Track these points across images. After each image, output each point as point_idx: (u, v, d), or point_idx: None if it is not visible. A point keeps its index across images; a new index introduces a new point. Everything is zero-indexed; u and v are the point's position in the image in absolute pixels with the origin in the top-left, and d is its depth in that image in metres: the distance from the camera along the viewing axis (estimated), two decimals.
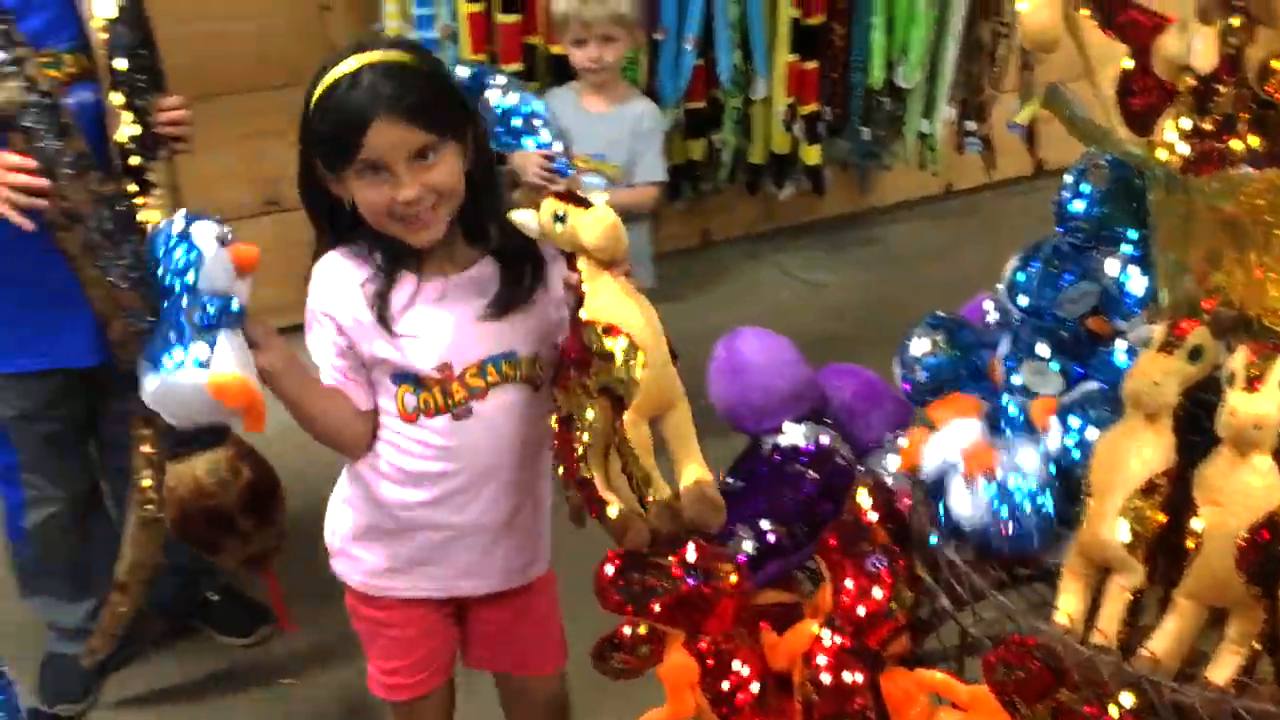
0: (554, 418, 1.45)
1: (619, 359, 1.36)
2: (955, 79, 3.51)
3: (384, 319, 1.48)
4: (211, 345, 1.32)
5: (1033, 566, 1.47)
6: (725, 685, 1.31)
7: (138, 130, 1.90)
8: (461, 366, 1.51)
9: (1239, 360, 1.26)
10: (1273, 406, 1.22)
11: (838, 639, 1.30)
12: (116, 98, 1.90)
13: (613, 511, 1.35)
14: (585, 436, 1.38)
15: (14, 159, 1.79)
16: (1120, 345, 1.49)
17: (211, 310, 1.33)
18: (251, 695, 2.34)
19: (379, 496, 1.58)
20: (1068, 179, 1.57)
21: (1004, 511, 1.41)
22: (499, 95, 2.56)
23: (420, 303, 1.50)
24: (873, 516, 1.43)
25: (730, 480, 1.69)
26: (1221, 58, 1.33)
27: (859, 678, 1.28)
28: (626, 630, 1.36)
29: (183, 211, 1.39)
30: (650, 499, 1.35)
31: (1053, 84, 1.51)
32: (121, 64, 1.89)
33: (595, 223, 1.38)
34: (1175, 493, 1.31)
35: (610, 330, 1.37)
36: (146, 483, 1.95)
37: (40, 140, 1.79)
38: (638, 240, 2.70)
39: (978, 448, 1.46)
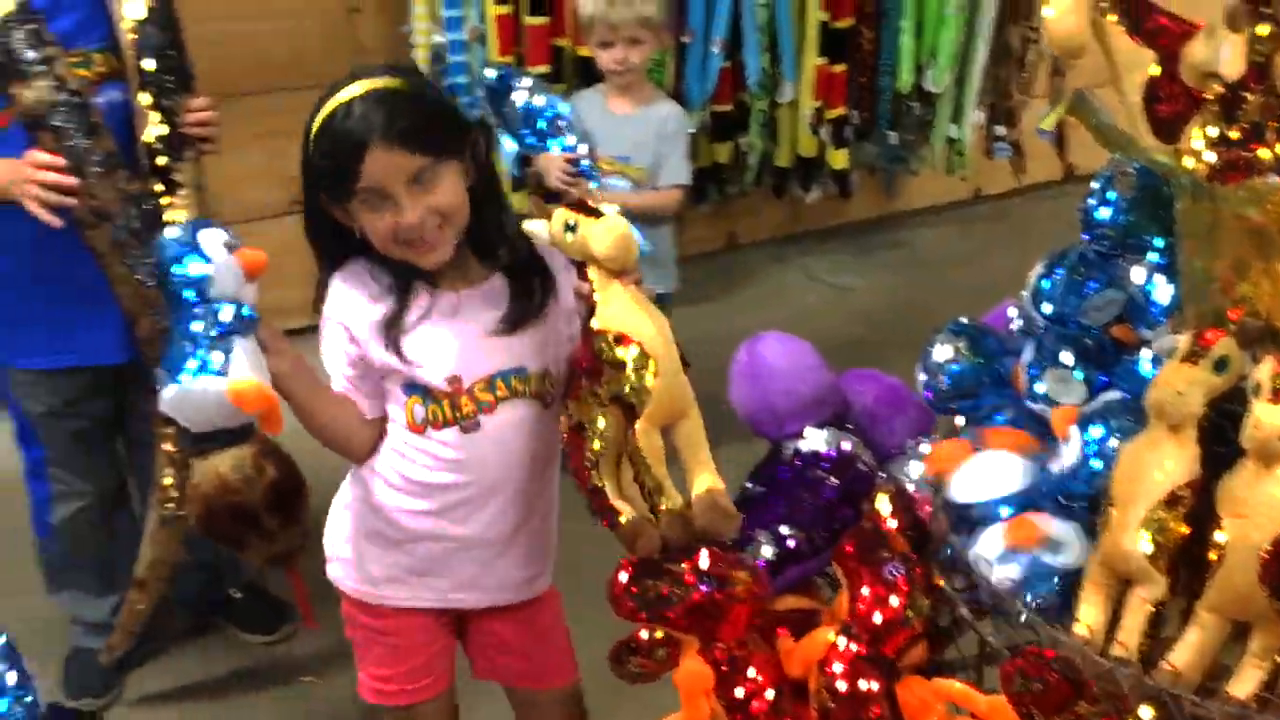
0: (566, 426, 1.46)
1: (630, 368, 1.36)
2: (984, 84, 3.50)
3: (395, 339, 1.49)
4: (227, 352, 1.34)
5: None
6: (740, 692, 1.31)
7: (165, 130, 1.92)
8: (471, 380, 1.51)
9: (1265, 371, 1.24)
10: None
11: (854, 646, 1.30)
12: (144, 98, 1.91)
13: (624, 519, 1.35)
14: (596, 445, 1.38)
15: (44, 157, 1.81)
16: (1145, 354, 1.48)
17: (225, 317, 1.35)
18: (273, 693, 2.35)
19: (382, 504, 1.58)
20: (1094, 186, 1.56)
21: (1033, 584, 1.38)
22: (525, 97, 2.56)
23: (433, 316, 1.51)
24: (892, 524, 1.42)
25: (750, 485, 1.69)
26: (1249, 65, 1.32)
27: (875, 686, 1.27)
28: (643, 634, 1.36)
29: (189, 220, 1.41)
30: (662, 507, 1.35)
31: (1079, 90, 1.50)
32: (150, 64, 1.91)
33: (606, 232, 1.38)
34: (1199, 504, 1.30)
35: (621, 339, 1.37)
36: (168, 481, 1.96)
37: (69, 139, 1.81)
38: (661, 243, 2.71)
39: (1023, 522, 1.42)
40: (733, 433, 1.68)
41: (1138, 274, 1.51)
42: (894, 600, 1.30)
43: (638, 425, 1.36)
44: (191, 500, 1.91)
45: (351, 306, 1.51)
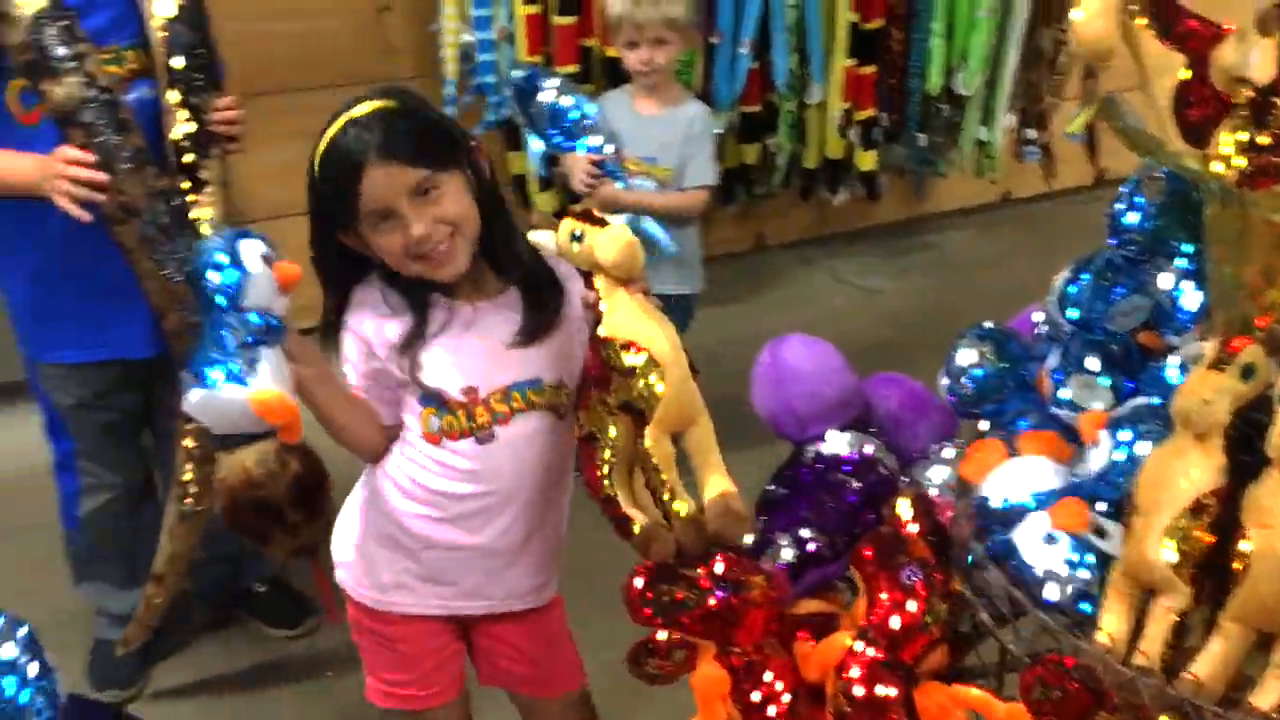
0: (577, 436, 1.46)
1: (638, 375, 1.36)
2: (1015, 86, 3.47)
3: (413, 357, 1.50)
4: (254, 363, 1.36)
5: None
6: (756, 697, 1.30)
7: (192, 128, 1.93)
8: (487, 391, 1.52)
9: None
10: None
11: (871, 651, 1.29)
12: (173, 95, 1.93)
13: (637, 526, 1.35)
14: (608, 454, 1.39)
15: (74, 153, 1.83)
16: (1172, 361, 1.46)
17: (255, 328, 1.37)
18: (295, 688, 2.36)
19: (395, 511, 1.58)
20: (1122, 190, 1.55)
21: (1077, 571, 1.36)
22: (553, 97, 2.57)
23: (451, 329, 1.52)
24: (913, 528, 1.41)
25: (772, 487, 1.68)
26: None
27: (892, 691, 1.27)
28: (661, 635, 1.36)
29: (230, 228, 1.43)
30: (675, 513, 1.35)
31: (1109, 94, 1.49)
32: (179, 62, 1.92)
33: (611, 241, 1.39)
34: (1224, 513, 1.28)
35: (629, 346, 1.37)
36: (187, 476, 1.97)
37: (99, 135, 1.83)
38: (687, 243, 2.71)
39: (1072, 503, 1.41)
40: (756, 434, 1.68)
41: (1165, 280, 1.49)
42: (912, 605, 1.29)
43: (648, 432, 1.36)
44: (216, 493, 1.92)
45: (371, 321, 1.53)
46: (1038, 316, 1.65)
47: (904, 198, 4.07)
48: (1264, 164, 1.32)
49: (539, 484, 1.57)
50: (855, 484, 1.63)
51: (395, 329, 1.51)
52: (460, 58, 3.12)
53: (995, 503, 1.44)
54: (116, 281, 1.95)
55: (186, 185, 1.93)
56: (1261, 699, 1.23)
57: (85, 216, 1.84)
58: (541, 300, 1.54)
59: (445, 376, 1.52)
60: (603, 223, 1.41)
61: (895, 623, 1.29)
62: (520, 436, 1.54)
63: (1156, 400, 1.43)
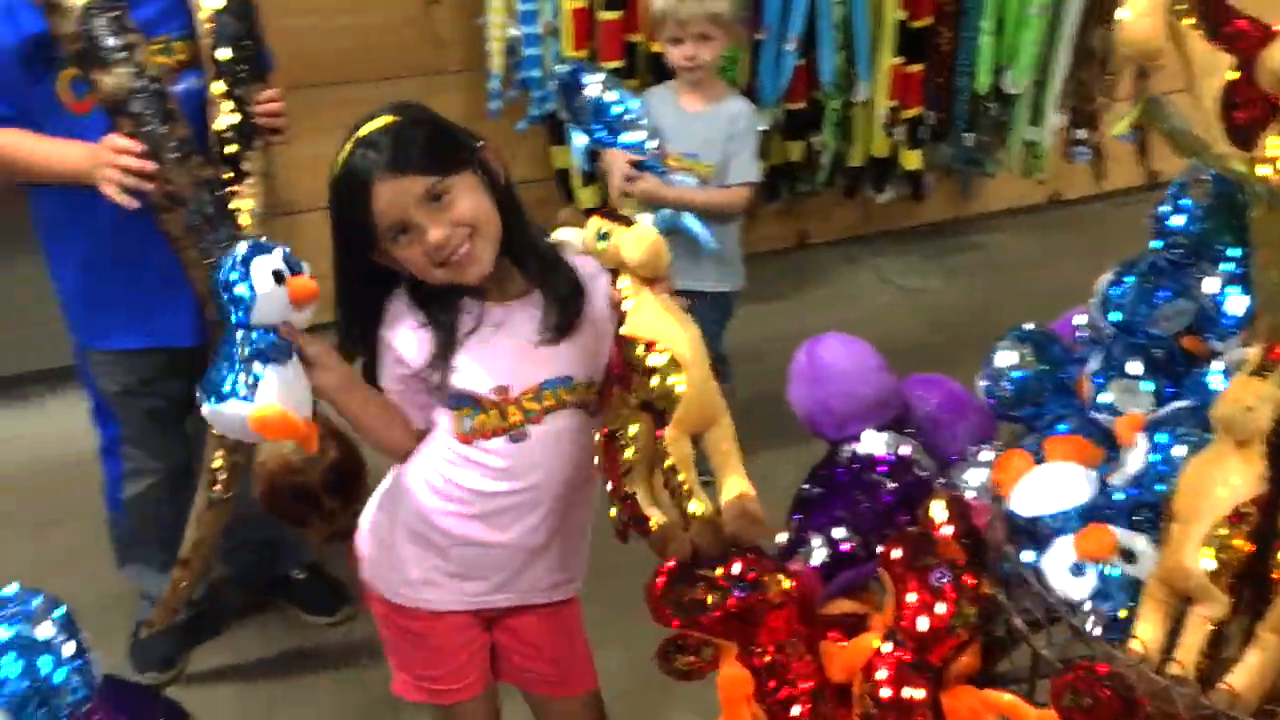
0: (599, 433, 1.47)
1: (659, 375, 1.37)
2: (1066, 86, 3.43)
3: (446, 366, 1.51)
4: (257, 379, 1.38)
5: None
6: (780, 697, 1.30)
7: (236, 119, 1.95)
8: (519, 390, 1.53)
9: None
10: None
11: (899, 653, 1.28)
12: (218, 86, 1.95)
13: (654, 525, 1.35)
14: (628, 452, 1.40)
15: (122, 142, 1.85)
16: (1215, 366, 1.44)
17: (260, 345, 1.39)
18: (331, 675, 2.39)
19: (424, 509, 1.59)
20: (1168, 192, 1.52)
21: (1102, 600, 1.34)
22: (597, 92, 2.57)
23: (482, 330, 1.52)
24: (946, 530, 1.40)
25: (807, 486, 1.68)
26: None
27: (920, 694, 1.26)
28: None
29: (251, 240, 1.44)
30: (692, 514, 1.35)
31: (1155, 95, 1.47)
32: (224, 54, 1.94)
33: (637, 241, 1.40)
34: (1264, 522, 1.26)
35: (651, 346, 1.38)
36: (217, 463, 2.00)
37: (147, 125, 1.85)
38: (728, 240, 2.71)
39: (1097, 530, 1.39)
40: (795, 433, 1.68)
41: (1210, 284, 1.47)
42: (940, 608, 1.28)
43: (667, 432, 1.37)
44: (256, 478, 1.95)
45: (402, 332, 1.53)
46: (1079, 319, 1.63)
47: (950, 197, 4.03)
48: None
49: (569, 481, 1.58)
50: (891, 484, 1.62)
51: (426, 339, 1.52)
52: (506, 52, 3.13)
53: (1023, 515, 1.43)
54: (164, 270, 1.98)
55: (229, 175, 1.95)
56: None
57: (132, 204, 1.87)
58: (562, 296, 1.54)
59: (477, 377, 1.52)
60: (629, 222, 1.42)
61: (923, 624, 1.28)
62: (552, 434, 1.55)
63: (1195, 403, 1.41)
